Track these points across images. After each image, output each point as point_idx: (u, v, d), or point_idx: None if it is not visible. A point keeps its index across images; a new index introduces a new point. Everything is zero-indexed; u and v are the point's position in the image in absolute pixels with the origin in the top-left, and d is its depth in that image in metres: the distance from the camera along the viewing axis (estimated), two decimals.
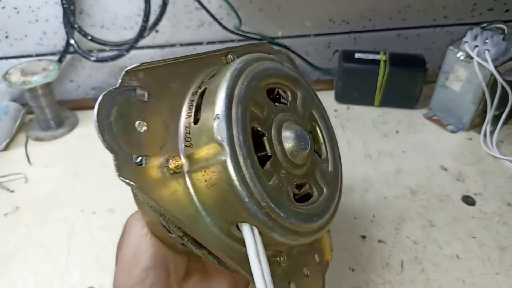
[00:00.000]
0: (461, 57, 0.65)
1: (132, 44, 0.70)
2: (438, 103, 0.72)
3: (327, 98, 0.76)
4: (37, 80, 0.67)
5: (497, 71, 0.62)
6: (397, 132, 0.70)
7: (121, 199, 0.61)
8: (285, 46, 0.76)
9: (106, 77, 0.79)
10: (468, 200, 0.59)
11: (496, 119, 0.67)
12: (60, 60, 0.74)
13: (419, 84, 0.70)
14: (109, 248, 0.55)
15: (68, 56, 0.76)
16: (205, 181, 0.27)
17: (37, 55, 0.75)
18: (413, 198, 0.59)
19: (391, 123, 0.72)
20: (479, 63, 0.63)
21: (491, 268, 0.51)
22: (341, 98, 0.75)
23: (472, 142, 0.68)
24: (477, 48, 0.63)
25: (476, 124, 0.69)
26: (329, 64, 0.80)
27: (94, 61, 0.72)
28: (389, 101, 0.73)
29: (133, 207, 0.60)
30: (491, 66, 0.61)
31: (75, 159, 0.68)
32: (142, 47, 0.76)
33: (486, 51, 0.62)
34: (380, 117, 0.73)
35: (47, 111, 0.71)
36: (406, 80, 0.70)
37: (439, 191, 0.60)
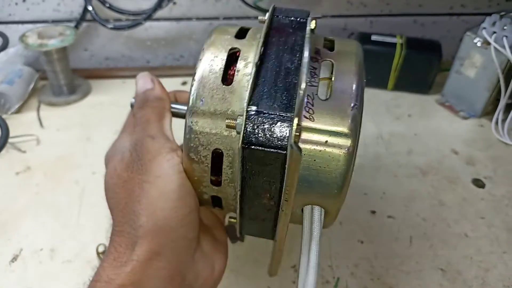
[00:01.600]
0: (478, 43, 0.65)
1: (149, 14, 0.70)
2: (451, 90, 0.72)
3: None
4: (53, 43, 0.67)
5: None
6: (409, 115, 0.70)
7: None
8: None
9: (120, 47, 0.79)
10: (478, 183, 0.59)
11: (508, 107, 0.67)
12: (76, 27, 0.74)
13: (434, 68, 0.70)
14: None
15: (84, 24, 0.76)
16: (314, 160, 0.28)
17: (53, 21, 0.75)
18: (423, 178, 0.60)
19: (403, 107, 0.72)
20: (496, 49, 0.63)
21: (498, 247, 0.51)
22: None
23: (484, 129, 0.68)
24: (495, 34, 0.63)
25: (488, 112, 0.69)
26: None
27: (111, 28, 0.72)
28: (402, 85, 0.73)
29: None
30: (508, 52, 0.61)
31: (87, 125, 0.68)
32: (158, 19, 0.76)
33: (504, 38, 0.62)
34: (393, 101, 0.73)
35: (60, 77, 0.71)
36: (421, 64, 0.70)
37: (450, 173, 0.60)
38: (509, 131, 0.67)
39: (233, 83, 0.30)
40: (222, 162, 0.30)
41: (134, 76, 0.80)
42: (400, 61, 0.70)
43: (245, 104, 0.27)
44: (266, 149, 0.26)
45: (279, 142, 0.26)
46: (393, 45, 0.70)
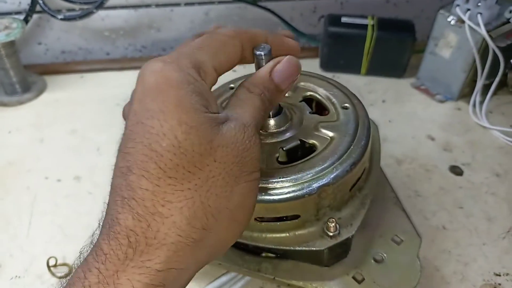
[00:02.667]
0: (452, 22, 0.62)
1: (101, 2, 0.65)
2: (426, 72, 0.69)
3: (311, 67, 0.73)
4: None
5: (489, 36, 0.59)
6: (383, 101, 0.67)
7: (88, 166, 0.57)
8: (268, 10, 0.72)
9: (77, 40, 0.74)
10: (456, 170, 0.56)
11: (485, 88, 0.64)
12: (26, 20, 0.69)
13: (408, 50, 0.67)
14: (73, 217, 0.51)
15: (35, 16, 0.70)
16: None
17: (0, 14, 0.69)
18: (398, 167, 0.57)
19: (377, 92, 0.68)
20: (470, 28, 0.59)
21: (478, 238, 0.48)
22: (326, 66, 0.71)
23: (461, 112, 0.65)
24: (469, 12, 0.60)
25: (465, 94, 0.66)
26: (314, 30, 0.76)
27: (61, 19, 0.66)
28: (376, 70, 0.70)
29: (100, 176, 0.56)
30: (483, 31, 0.58)
31: (41, 126, 0.63)
32: (114, 7, 0.70)
33: (479, 15, 0.59)
34: (367, 86, 0.69)
35: (11, 74, 0.66)
36: (395, 46, 0.67)
37: (426, 161, 0.57)
38: (487, 114, 0.64)
39: None
40: None
41: (92, 70, 0.76)
42: (372, 43, 0.67)
43: None
44: None
45: None
46: (365, 26, 0.67)
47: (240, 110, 0.29)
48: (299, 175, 0.33)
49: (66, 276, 0.45)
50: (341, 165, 0.34)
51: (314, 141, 0.36)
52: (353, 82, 0.70)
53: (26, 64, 0.70)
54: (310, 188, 0.33)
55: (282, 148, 0.36)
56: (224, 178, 0.26)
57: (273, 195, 0.33)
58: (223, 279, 0.44)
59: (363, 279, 0.38)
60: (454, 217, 0.51)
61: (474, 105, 0.65)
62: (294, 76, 0.32)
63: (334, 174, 0.33)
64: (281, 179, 0.33)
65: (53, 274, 0.45)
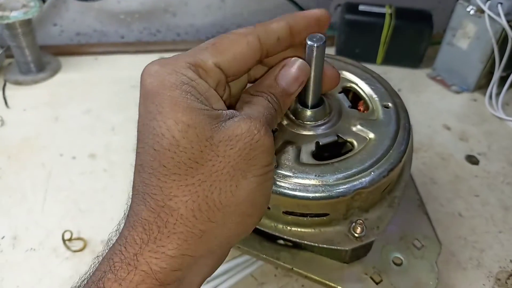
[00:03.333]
0: (471, 12, 0.62)
1: None
2: (443, 63, 0.68)
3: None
4: (16, 15, 0.61)
5: (510, 26, 0.58)
6: (399, 90, 0.66)
7: (104, 145, 0.57)
8: None
9: (92, 22, 0.74)
10: (472, 159, 0.56)
11: (502, 80, 0.64)
12: (43, 0, 0.69)
13: (425, 40, 0.67)
14: (88, 193, 0.51)
15: None
16: None
17: None
18: (414, 155, 0.56)
19: (393, 82, 0.66)
20: (490, 17, 0.59)
21: (494, 226, 0.48)
22: (342, 54, 0.71)
23: (477, 103, 0.65)
24: (489, 2, 0.59)
25: (481, 85, 0.66)
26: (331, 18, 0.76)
27: (78, 0, 0.66)
28: (392, 59, 0.69)
29: (115, 155, 0.56)
30: (503, 20, 0.58)
31: (56, 104, 0.63)
32: None
33: (499, 5, 0.58)
34: (382, 76, 0.69)
35: (27, 53, 0.66)
36: (412, 36, 0.67)
37: (442, 150, 0.57)
38: (503, 106, 0.63)
39: None
40: None
41: (107, 53, 0.76)
42: (389, 32, 0.66)
43: None
44: None
45: None
46: (382, 15, 0.66)
47: (247, 109, 0.29)
48: (335, 175, 0.33)
49: (81, 250, 0.45)
50: (378, 169, 0.33)
51: (352, 139, 0.35)
52: None
53: (41, 45, 0.70)
54: (345, 190, 0.32)
55: (319, 143, 0.35)
56: (229, 172, 0.26)
57: (306, 192, 0.32)
58: (238, 260, 0.44)
59: (381, 281, 0.38)
60: (469, 204, 0.50)
61: (490, 97, 0.64)
62: (302, 78, 0.31)
63: (371, 178, 0.33)
64: (317, 177, 0.33)
65: (68, 247, 0.45)
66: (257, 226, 0.35)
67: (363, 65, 0.43)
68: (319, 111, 0.36)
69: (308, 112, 0.36)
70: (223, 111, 0.27)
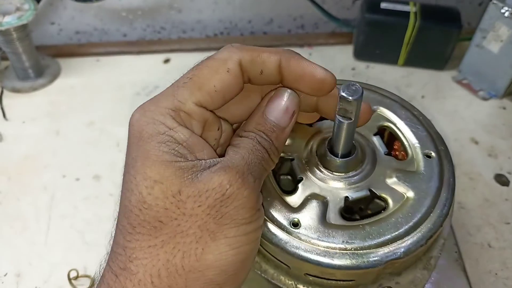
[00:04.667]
0: (506, 14, 0.56)
1: None
2: (470, 65, 0.63)
3: (343, 54, 0.68)
4: (9, 21, 0.57)
5: None
6: (422, 97, 0.62)
7: (109, 163, 0.54)
8: None
9: (92, 20, 0.69)
10: (501, 179, 0.52)
11: None
12: (37, 0, 0.64)
13: (452, 42, 0.61)
14: (93, 221, 0.48)
15: None
16: None
17: None
18: None
19: (416, 86, 0.63)
20: None
21: None
22: (360, 54, 0.66)
23: (506, 112, 0.60)
24: None
25: (511, 92, 0.61)
26: (348, 14, 0.70)
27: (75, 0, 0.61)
28: (415, 61, 0.64)
29: (121, 176, 0.53)
30: None
31: (56, 115, 0.60)
32: None
33: None
34: (404, 79, 0.64)
35: (24, 58, 0.62)
36: (438, 37, 0.61)
37: (469, 168, 0.53)
38: None
39: None
40: None
41: (109, 53, 0.71)
42: (413, 33, 0.61)
43: None
44: None
45: None
46: (406, 14, 0.61)
47: (231, 154, 0.26)
48: (365, 242, 0.29)
49: None
50: (415, 236, 0.30)
51: (386, 196, 0.32)
52: (390, 73, 0.65)
53: (38, 45, 0.65)
54: (377, 261, 0.29)
55: (348, 198, 0.32)
56: (195, 233, 0.23)
57: (332, 259, 0.29)
58: None
59: None
60: (500, 233, 0.47)
61: None
62: (292, 108, 0.28)
63: (406, 248, 0.29)
64: (345, 243, 0.29)
65: (74, 287, 0.43)
66: (275, 282, 0.33)
67: (402, 98, 0.38)
68: (350, 161, 0.32)
69: (338, 162, 0.32)
70: (202, 161, 0.25)
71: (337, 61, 0.67)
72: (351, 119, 0.28)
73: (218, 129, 0.28)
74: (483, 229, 0.47)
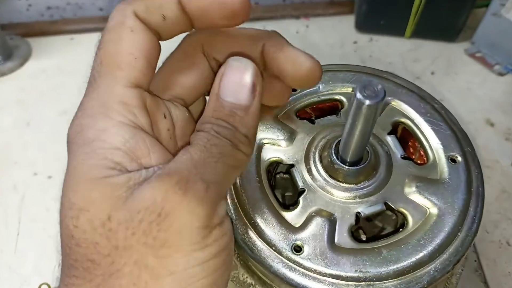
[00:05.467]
0: None
1: None
2: (484, 36, 0.57)
3: (344, 26, 0.61)
4: None
5: None
6: (432, 73, 0.56)
7: None
8: None
9: None
10: None
11: None
12: None
13: (466, 10, 0.55)
14: None
15: None
16: None
17: None
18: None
19: (425, 61, 0.57)
20: None
21: None
22: (363, 26, 0.60)
23: None
24: None
25: None
26: None
27: None
28: (423, 32, 0.58)
29: None
30: None
31: (27, 104, 0.54)
32: None
33: None
34: (412, 52, 0.58)
35: None
36: (451, 5, 0.55)
37: (485, 154, 0.48)
38: None
39: None
40: None
41: (84, 30, 0.65)
42: (422, 1, 0.54)
43: None
44: None
45: None
46: None
47: (180, 155, 0.20)
48: (382, 269, 0.24)
49: None
50: (441, 261, 0.25)
51: (405, 211, 0.27)
52: (395, 47, 0.59)
53: (5, 24, 0.59)
54: None
55: (360, 214, 0.26)
56: (131, 272, 0.18)
57: None
58: None
59: None
60: None
61: None
62: (251, 79, 0.21)
63: (431, 277, 0.24)
64: (358, 272, 0.24)
65: None
66: None
67: (420, 88, 0.32)
68: (362, 170, 0.27)
69: (347, 171, 0.27)
70: (142, 171, 0.19)
71: (336, 33, 0.60)
72: (366, 125, 0.23)
73: (165, 117, 0.22)
74: (500, 225, 0.43)
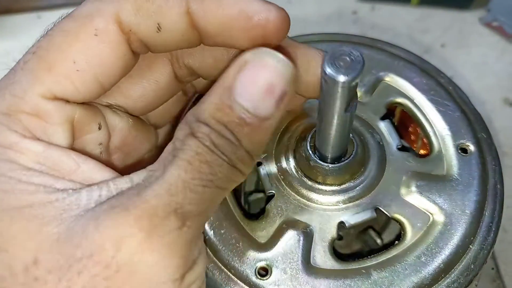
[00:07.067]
0: None
1: None
2: (502, 2, 0.50)
3: None
4: None
5: None
6: (442, 46, 0.50)
7: None
8: None
9: None
10: None
11: None
12: None
13: None
14: None
15: None
16: None
17: None
18: None
19: (434, 32, 0.51)
20: None
21: None
22: None
23: None
24: None
25: None
26: None
27: None
28: None
29: None
30: None
31: None
32: None
33: None
34: (419, 23, 0.52)
35: None
36: None
37: (503, 139, 0.43)
38: None
39: None
40: None
41: (52, 7, 0.59)
42: None
43: None
44: None
45: None
46: None
47: (150, 177, 0.15)
48: None
49: None
50: (449, 285, 0.20)
51: (402, 218, 0.21)
52: (401, 16, 0.52)
53: None
54: None
55: (344, 224, 0.21)
56: None
57: None
58: None
59: None
60: None
61: None
62: (282, 86, 0.16)
63: None
64: None
65: None
66: None
67: (422, 59, 0.26)
68: (345, 167, 0.21)
69: (327, 169, 0.21)
70: (79, 193, 0.15)
71: (333, 3, 0.54)
72: (343, 108, 0.17)
73: (99, 128, 0.18)
74: None
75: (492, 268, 0.32)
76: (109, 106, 0.19)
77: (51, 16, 0.56)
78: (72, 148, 0.17)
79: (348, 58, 0.16)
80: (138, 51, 0.17)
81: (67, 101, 0.16)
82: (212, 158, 0.15)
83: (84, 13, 0.16)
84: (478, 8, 0.52)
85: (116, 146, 0.19)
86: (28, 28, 0.55)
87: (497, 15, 0.51)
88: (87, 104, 0.17)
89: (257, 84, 0.16)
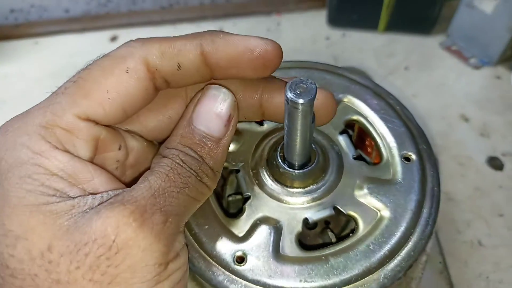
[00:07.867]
0: None
1: None
2: (460, 28, 0.55)
3: (316, 21, 0.60)
4: None
5: None
6: (406, 68, 0.55)
7: None
8: None
9: None
10: (495, 163, 0.46)
11: None
12: None
13: (439, 1, 0.53)
14: None
15: None
16: None
17: None
18: None
19: (398, 56, 0.56)
20: None
21: None
22: (335, 20, 0.58)
23: (501, 82, 0.53)
24: None
25: (506, 58, 0.54)
26: None
27: None
28: (397, 25, 0.57)
29: None
30: None
31: None
32: None
33: None
34: (385, 48, 0.57)
35: None
36: None
37: (459, 151, 0.47)
38: None
39: None
40: None
41: (48, 33, 0.63)
42: None
43: None
44: None
45: None
46: None
47: (138, 182, 0.19)
48: (329, 281, 0.23)
49: None
50: (391, 267, 0.24)
51: (355, 214, 0.25)
52: (369, 41, 0.57)
53: None
54: None
55: (308, 220, 0.25)
56: None
57: None
58: None
59: None
60: (492, 228, 0.41)
61: None
62: (228, 111, 0.21)
63: (380, 284, 0.23)
64: (303, 282, 0.23)
65: None
66: None
67: (375, 83, 0.31)
68: (309, 173, 0.26)
69: (294, 174, 0.26)
70: (89, 197, 0.18)
71: (308, 30, 0.59)
72: (304, 125, 0.22)
73: (119, 149, 0.21)
74: (473, 224, 0.41)
75: (440, 262, 0.36)
76: (128, 131, 0.22)
77: (47, 42, 0.61)
78: (93, 162, 0.20)
79: (305, 86, 0.20)
80: (159, 87, 0.20)
81: (96, 123, 0.20)
82: (182, 171, 0.19)
83: (119, 54, 0.20)
84: (438, 33, 0.57)
85: (130, 163, 0.22)
86: (26, 53, 0.58)
87: (456, 40, 0.57)
88: (111, 127, 0.21)
89: (209, 112, 0.21)
